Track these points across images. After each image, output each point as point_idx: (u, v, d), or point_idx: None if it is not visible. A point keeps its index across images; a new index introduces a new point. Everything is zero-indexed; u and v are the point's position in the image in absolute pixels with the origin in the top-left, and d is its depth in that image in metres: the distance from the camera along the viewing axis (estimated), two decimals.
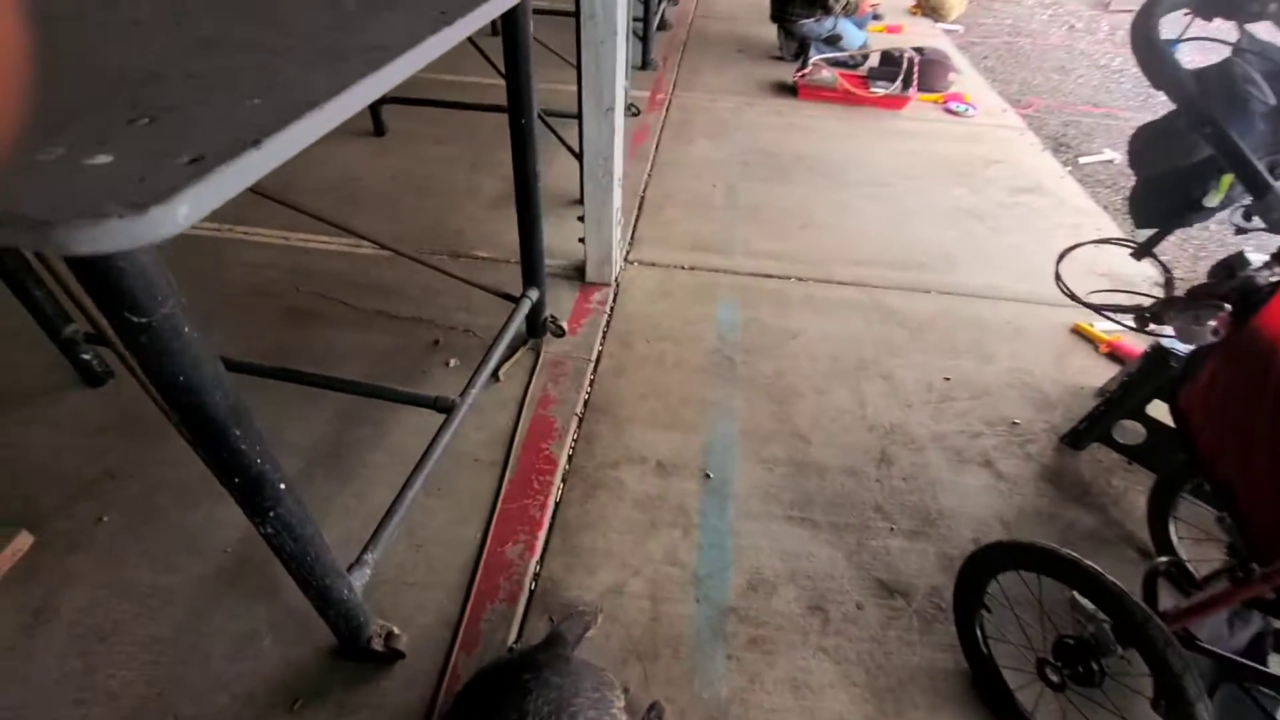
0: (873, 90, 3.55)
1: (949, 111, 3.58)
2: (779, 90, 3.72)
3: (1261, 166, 0.73)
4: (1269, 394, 0.76)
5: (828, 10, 3.87)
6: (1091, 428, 1.61)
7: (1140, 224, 1.05)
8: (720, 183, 2.78)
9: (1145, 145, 0.93)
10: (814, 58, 3.82)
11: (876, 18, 5.02)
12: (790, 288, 2.18)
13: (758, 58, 4.20)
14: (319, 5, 0.91)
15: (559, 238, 2.31)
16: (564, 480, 1.54)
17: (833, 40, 4.00)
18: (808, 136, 3.21)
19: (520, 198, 1.57)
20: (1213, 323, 0.77)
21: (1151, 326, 0.90)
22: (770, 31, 4.24)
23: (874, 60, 3.86)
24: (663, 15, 4.57)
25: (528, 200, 1.57)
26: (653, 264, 2.26)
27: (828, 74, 3.65)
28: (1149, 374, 1.48)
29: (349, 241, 2.31)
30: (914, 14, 5.43)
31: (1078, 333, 2.06)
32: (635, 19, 3.78)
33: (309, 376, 1.55)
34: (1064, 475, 1.62)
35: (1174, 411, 0.91)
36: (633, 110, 3.30)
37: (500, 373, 1.77)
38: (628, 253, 2.30)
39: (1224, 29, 1.01)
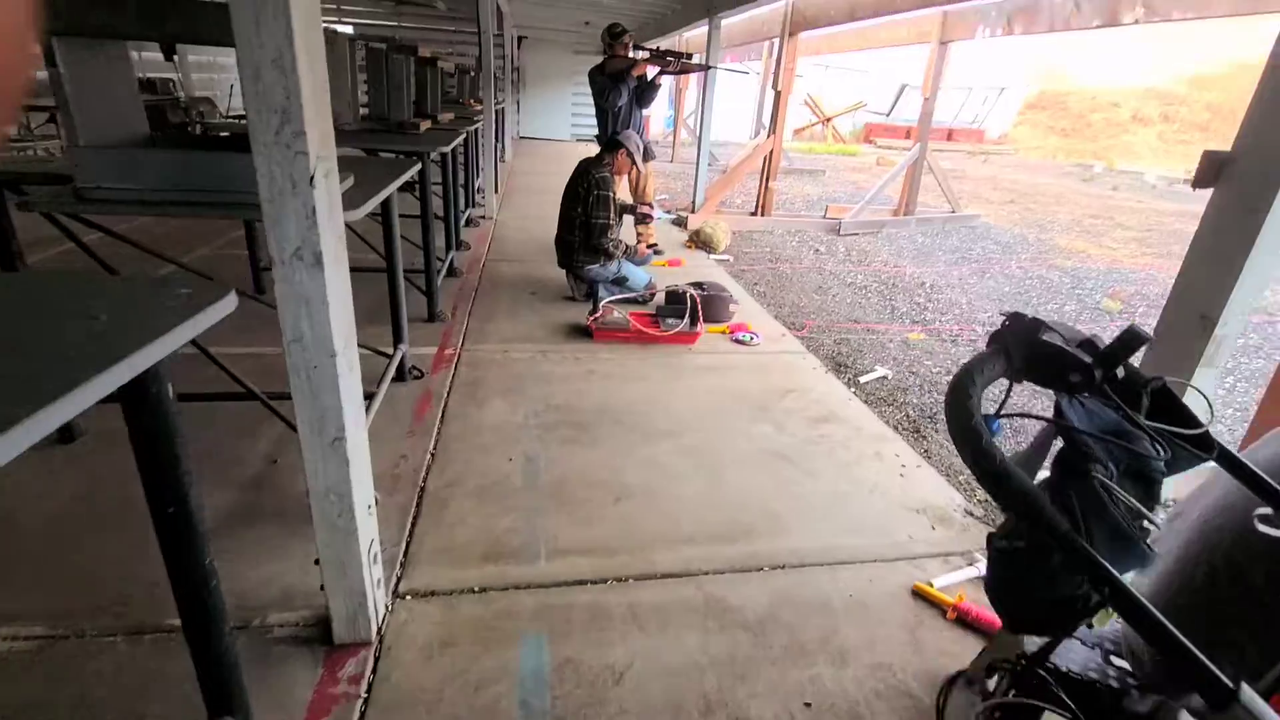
0: (664, 328, 3.63)
1: (736, 341, 3.75)
2: (575, 333, 3.67)
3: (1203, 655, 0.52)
4: None
5: (610, 256, 4.06)
6: None
7: (1014, 629, 0.85)
8: (518, 453, 2.45)
9: (1007, 590, 0.74)
10: (604, 299, 3.90)
11: (658, 254, 5.49)
12: (608, 596, 1.79)
13: (551, 299, 4.22)
14: None
15: (301, 570, 1.76)
16: None
17: (620, 281, 4.16)
18: (608, 383, 3.09)
19: (188, 618, 1.05)
20: None
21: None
22: (562, 271, 4.34)
23: (661, 297, 4.04)
24: (451, 263, 4.54)
25: (202, 619, 1.05)
26: (432, 593, 1.76)
27: (619, 315, 3.70)
28: None
29: None
30: (689, 248, 6.06)
31: (920, 595, 1.88)
32: (416, 270, 3.63)
33: None
34: None
35: None
36: (414, 374, 2.97)
37: None
38: (398, 582, 1.79)
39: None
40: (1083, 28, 5.31)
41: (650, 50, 5.02)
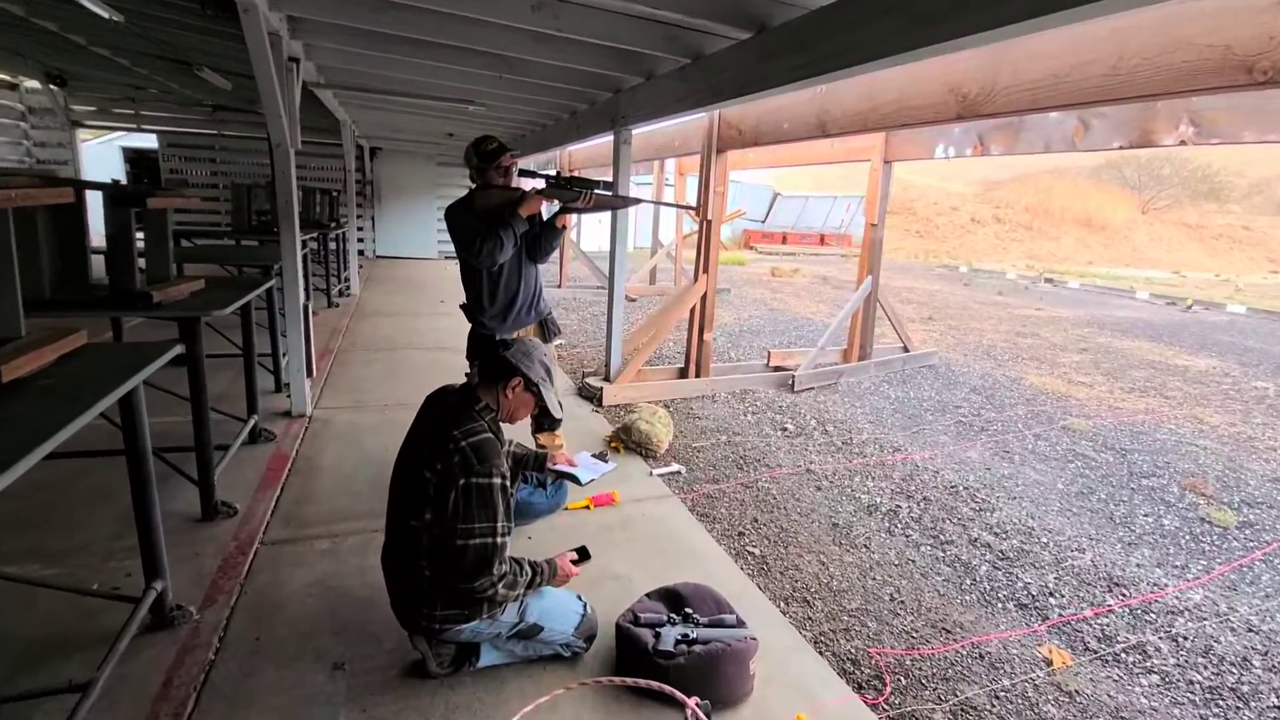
0: None
1: None
2: None
3: None
4: None
5: (499, 605, 1.93)
6: None
7: None
8: None
9: None
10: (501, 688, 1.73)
11: (573, 479, 3.41)
12: None
13: (379, 683, 1.97)
14: None
15: None
16: None
17: (527, 634, 2.02)
18: None
19: None
20: None
21: None
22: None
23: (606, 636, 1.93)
24: (161, 599, 2.16)
25: None
26: None
27: None
28: None
29: None
30: (616, 449, 4.06)
31: None
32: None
33: None
34: None
35: None
36: None
37: None
38: None
39: None
40: (1096, 149, 4.19)
41: (548, 177, 3.16)
